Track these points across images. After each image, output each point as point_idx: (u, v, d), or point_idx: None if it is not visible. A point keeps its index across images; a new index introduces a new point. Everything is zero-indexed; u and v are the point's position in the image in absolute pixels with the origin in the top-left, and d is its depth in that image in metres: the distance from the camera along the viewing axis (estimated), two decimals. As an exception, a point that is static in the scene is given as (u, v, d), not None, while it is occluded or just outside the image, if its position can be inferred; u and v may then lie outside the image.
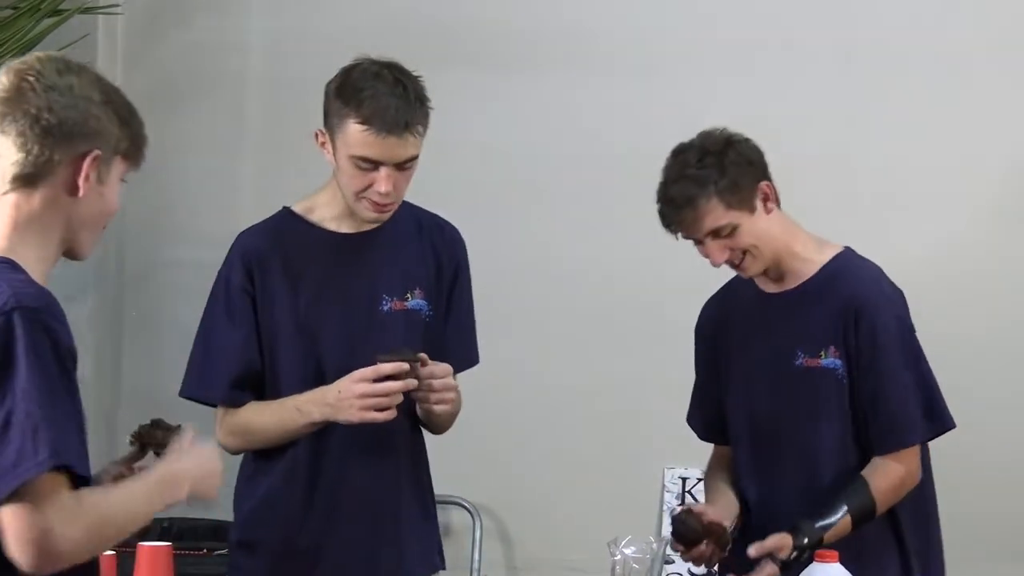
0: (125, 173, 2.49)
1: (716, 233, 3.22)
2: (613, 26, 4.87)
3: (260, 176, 5.07)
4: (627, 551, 2.95)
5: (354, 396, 3.19)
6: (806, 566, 3.07)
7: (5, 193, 2.41)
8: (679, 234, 3.27)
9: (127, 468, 2.63)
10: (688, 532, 3.17)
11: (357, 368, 3.23)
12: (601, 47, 4.90)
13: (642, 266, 4.82)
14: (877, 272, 3.35)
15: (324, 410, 3.23)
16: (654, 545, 2.97)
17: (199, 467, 2.51)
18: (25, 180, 2.40)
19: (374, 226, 3.35)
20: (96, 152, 2.41)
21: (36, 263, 2.40)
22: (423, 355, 3.22)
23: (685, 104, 4.64)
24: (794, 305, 3.32)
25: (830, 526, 3.18)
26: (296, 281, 3.33)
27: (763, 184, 3.26)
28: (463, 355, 3.44)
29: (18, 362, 2.26)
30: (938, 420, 3.28)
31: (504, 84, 4.93)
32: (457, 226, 3.48)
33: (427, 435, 3.45)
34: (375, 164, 3.23)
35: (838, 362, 3.26)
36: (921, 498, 3.32)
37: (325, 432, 3.30)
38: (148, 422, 2.70)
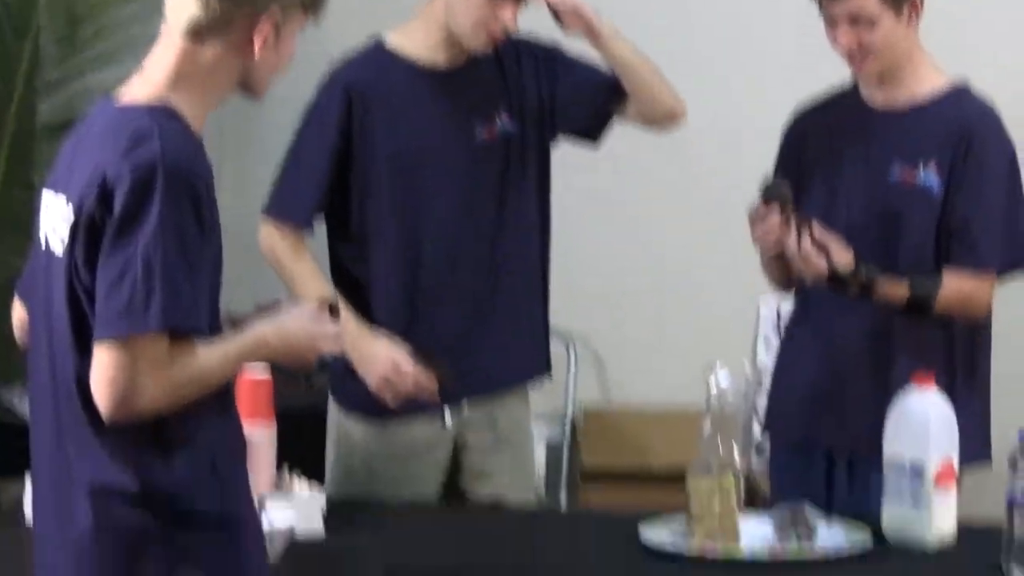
0: (305, 23, 2.45)
1: (856, 19, 3.19)
2: None
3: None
4: (722, 377, 2.96)
5: (377, 375, 3.27)
6: (840, 291, 3.11)
7: (174, 40, 2.39)
8: (821, 3, 3.21)
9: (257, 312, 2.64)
10: (779, 195, 3.17)
11: (455, 205, 3.33)
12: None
13: (739, 98, 4.78)
14: (993, 108, 3.30)
15: (352, 351, 3.27)
16: (749, 372, 2.97)
17: (306, 336, 2.47)
18: (201, 32, 2.37)
19: (467, 58, 3.36)
20: (276, 12, 2.38)
21: (194, 112, 2.39)
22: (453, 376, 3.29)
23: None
24: (901, 120, 3.28)
25: (886, 280, 3.16)
26: (398, 118, 3.35)
27: None
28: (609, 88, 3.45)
29: (150, 216, 2.26)
30: (1016, 253, 3.25)
31: None
32: None
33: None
34: None
35: (935, 179, 3.22)
36: (976, 350, 3.31)
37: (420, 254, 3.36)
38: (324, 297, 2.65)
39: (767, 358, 4.81)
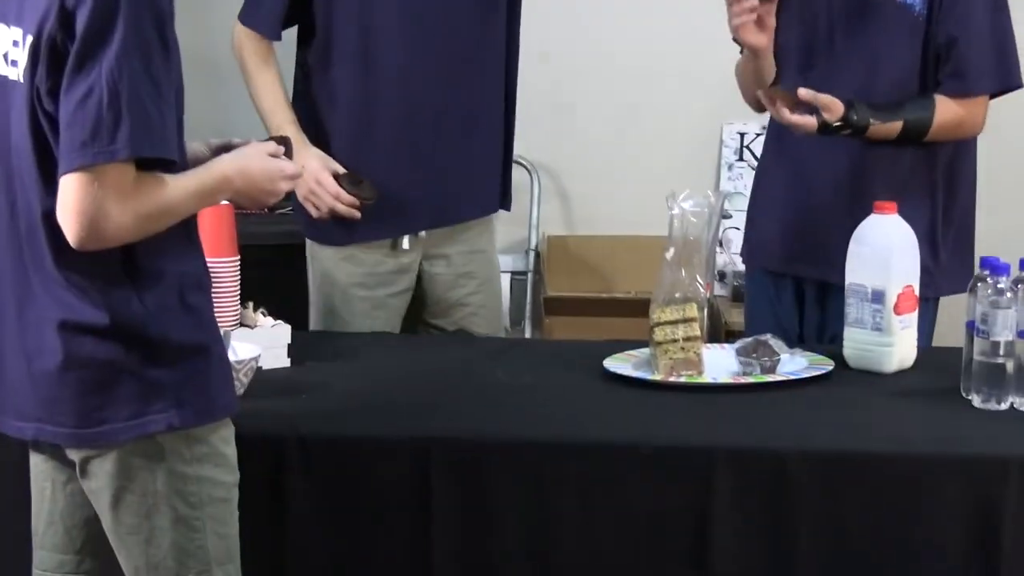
0: None
1: None
2: None
3: None
4: (685, 205, 2.95)
5: (306, 190, 3.34)
6: (840, 134, 3.10)
7: None
8: None
9: (215, 153, 2.55)
10: None
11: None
12: None
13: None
14: None
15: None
16: (712, 199, 2.97)
17: (265, 176, 2.47)
18: None
19: None
20: None
21: None
22: (375, 196, 3.34)
23: None
24: None
25: (882, 116, 3.14)
26: None
27: None
28: None
29: (114, 39, 2.22)
30: (1006, 75, 3.22)
31: None
32: None
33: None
34: None
35: None
36: (960, 170, 3.29)
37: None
38: (280, 135, 2.63)
39: (730, 184, 4.84)
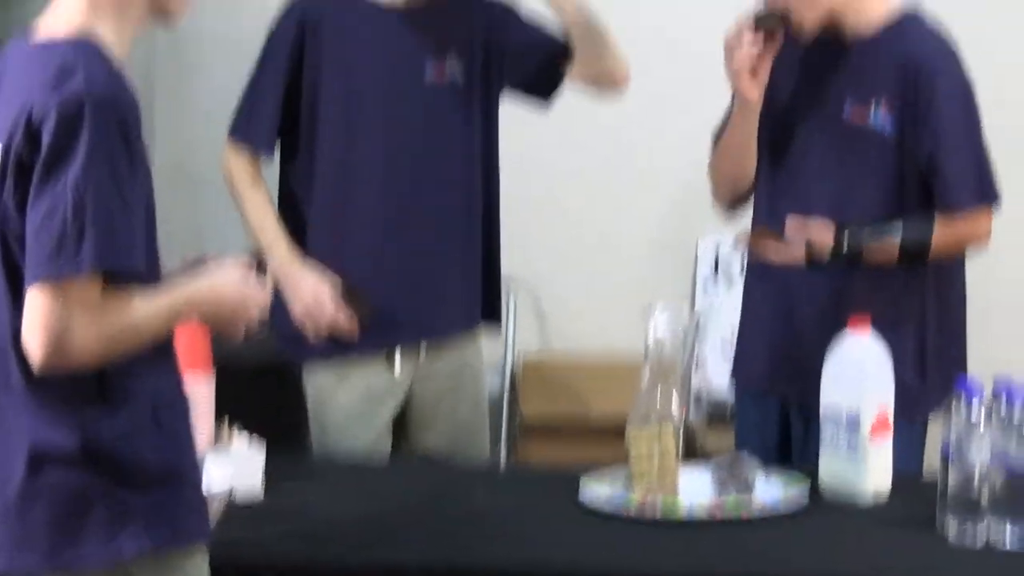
0: None
1: None
2: None
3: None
4: (661, 318, 2.95)
5: (300, 304, 3.36)
6: (836, 263, 3.09)
7: None
8: None
9: (185, 264, 2.54)
10: (771, 25, 3.17)
11: (397, 141, 3.40)
12: None
13: (675, 34, 4.76)
14: (943, 35, 3.21)
15: (282, 277, 3.37)
16: (688, 313, 2.97)
17: (236, 301, 2.43)
18: None
19: (420, 1, 3.42)
20: None
21: (114, 40, 2.34)
22: (370, 311, 3.36)
23: None
24: (848, 54, 3.20)
25: (878, 236, 3.12)
26: (347, 51, 3.40)
27: None
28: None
29: (79, 152, 2.21)
30: (989, 189, 3.19)
31: None
32: None
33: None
34: None
35: (887, 119, 3.15)
36: (950, 287, 3.29)
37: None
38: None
39: (705, 299, 4.83)
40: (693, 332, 3.03)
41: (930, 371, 3.21)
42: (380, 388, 3.45)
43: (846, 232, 3.12)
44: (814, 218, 3.15)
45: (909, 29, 3.20)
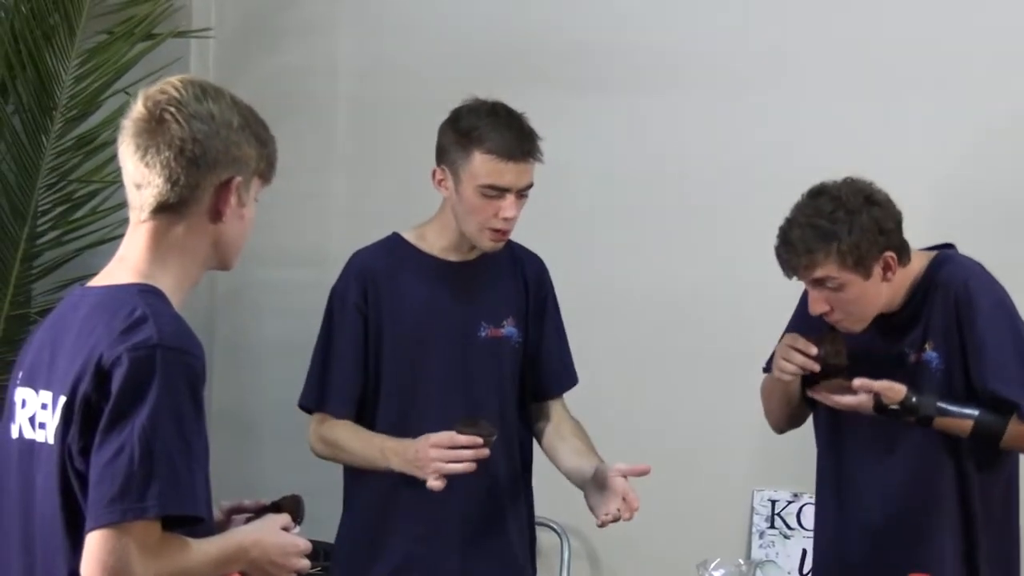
0: (260, 190, 2.51)
1: (823, 283, 3.21)
2: (680, 43, 4.82)
3: (350, 197, 5.10)
4: (716, 574, 2.93)
5: (428, 459, 3.32)
6: (899, 423, 3.11)
7: (144, 221, 2.43)
8: (789, 275, 3.25)
9: (227, 516, 2.61)
10: (836, 355, 3.25)
11: (451, 391, 3.46)
12: (668, 64, 4.85)
13: (717, 286, 4.79)
14: (976, 264, 3.32)
15: (403, 464, 3.38)
16: (743, 568, 2.94)
17: (280, 552, 2.47)
18: (169, 208, 2.40)
19: (476, 255, 3.53)
20: (239, 178, 2.43)
21: (175, 288, 2.42)
22: (495, 431, 3.36)
23: (749, 120, 4.63)
24: (896, 316, 3.30)
25: (951, 412, 3.15)
26: (404, 300, 3.50)
27: (887, 255, 3.23)
28: (565, 377, 3.71)
29: (148, 399, 2.26)
30: None
31: (578, 103, 4.89)
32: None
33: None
34: (501, 191, 3.41)
35: (935, 355, 3.23)
36: (1003, 506, 3.29)
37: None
38: (292, 495, 2.65)
39: (761, 552, 4.78)
40: (749, 583, 3.00)
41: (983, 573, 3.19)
42: None
43: (918, 393, 3.16)
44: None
45: (941, 265, 3.31)
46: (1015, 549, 3.33)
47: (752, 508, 4.87)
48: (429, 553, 3.46)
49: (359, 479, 3.53)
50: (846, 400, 3.19)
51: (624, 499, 3.31)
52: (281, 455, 4.94)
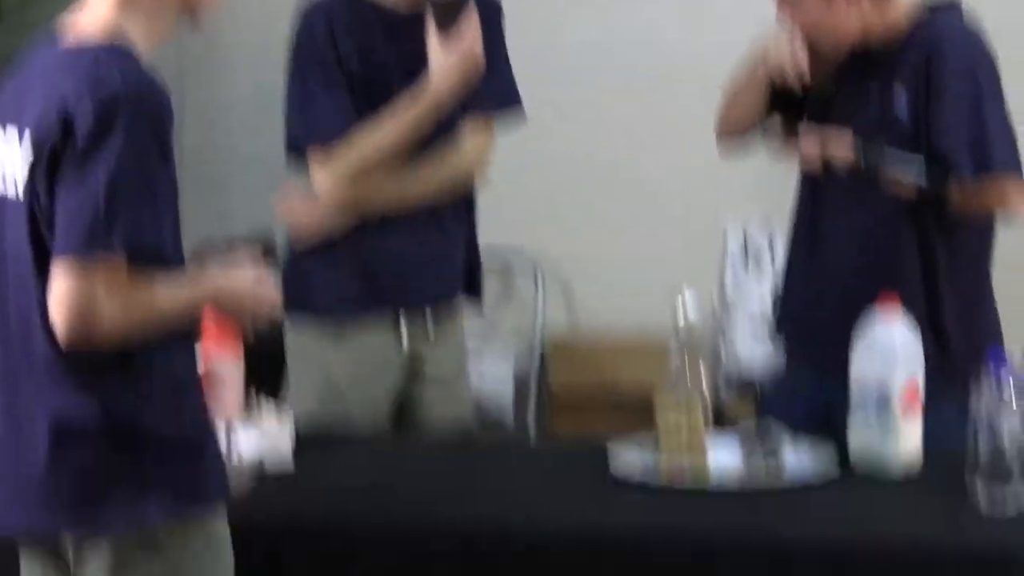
0: None
1: None
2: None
3: None
4: (689, 304, 2.96)
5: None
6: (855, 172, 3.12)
7: None
8: None
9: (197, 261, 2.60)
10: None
11: None
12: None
13: (703, 33, 4.78)
14: (967, 27, 3.25)
15: None
16: (716, 299, 2.97)
17: (251, 293, 2.48)
18: None
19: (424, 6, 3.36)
20: None
21: (145, 38, 2.38)
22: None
23: None
24: (878, 51, 3.24)
25: (899, 160, 3.14)
26: (359, 47, 3.38)
27: None
28: (501, 95, 3.47)
29: (113, 143, 2.26)
30: (982, 162, 3.17)
31: None
32: None
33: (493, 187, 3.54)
34: None
35: (904, 109, 3.18)
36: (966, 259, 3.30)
37: None
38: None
39: (733, 283, 4.84)
40: (722, 312, 3.03)
41: (954, 343, 3.21)
42: (383, 356, 3.42)
43: (863, 148, 3.15)
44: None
45: (931, 23, 3.23)
46: (985, 312, 3.32)
47: (725, 241, 4.91)
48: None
49: None
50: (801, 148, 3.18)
51: None
52: (252, 212, 4.94)
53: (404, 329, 3.42)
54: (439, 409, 3.48)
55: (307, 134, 3.36)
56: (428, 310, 3.44)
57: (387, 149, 3.31)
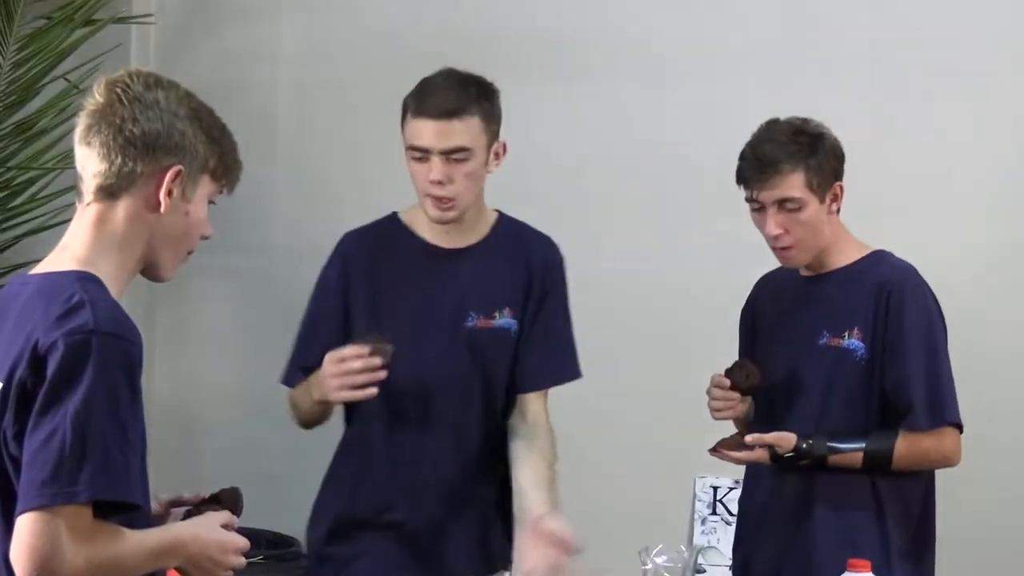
0: (215, 194, 2.48)
1: (783, 204, 3.30)
2: (660, 32, 4.84)
3: (292, 184, 5.08)
4: (658, 560, 2.95)
5: (328, 376, 3.21)
6: (799, 469, 3.28)
7: (88, 204, 2.41)
8: (751, 192, 3.33)
9: (165, 508, 2.57)
10: (747, 378, 3.37)
11: (429, 380, 3.32)
12: (650, 52, 4.85)
13: (674, 276, 4.81)
14: (911, 267, 3.43)
15: (319, 388, 3.26)
16: (685, 554, 2.96)
17: (219, 548, 2.44)
18: (107, 191, 2.39)
19: (472, 242, 3.35)
20: (178, 167, 2.40)
21: (114, 277, 2.40)
22: (391, 347, 3.19)
23: (722, 106, 4.65)
24: (825, 287, 3.41)
25: (842, 449, 3.29)
26: (382, 287, 3.35)
27: (838, 184, 3.37)
28: (541, 374, 3.44)
29: (82, 384, 2.25)
30: (941, 413, 3.34)
31: (542, 91, 4.88)
32: None
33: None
34: (424, 152, 3.22)
35: (860, 344, 3.33)
36: (918, 506, 3.39)
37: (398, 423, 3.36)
38: (231, 487, 2.59)
39: (703, 539, 4.80)
40: (691, 568, 3.02)
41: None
42: None
43: (810, 440, 3.30)
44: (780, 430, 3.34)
45: (880, 261, 3.42)
46: (929, 549, 3.41)
47: (695, 494, 4.89)
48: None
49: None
50: (743, 455, 3.34)
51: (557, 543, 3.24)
52: (222, 446, 4.92)
53: None
54: None
55: (290, 376, 3.40)
56: None
57: None
